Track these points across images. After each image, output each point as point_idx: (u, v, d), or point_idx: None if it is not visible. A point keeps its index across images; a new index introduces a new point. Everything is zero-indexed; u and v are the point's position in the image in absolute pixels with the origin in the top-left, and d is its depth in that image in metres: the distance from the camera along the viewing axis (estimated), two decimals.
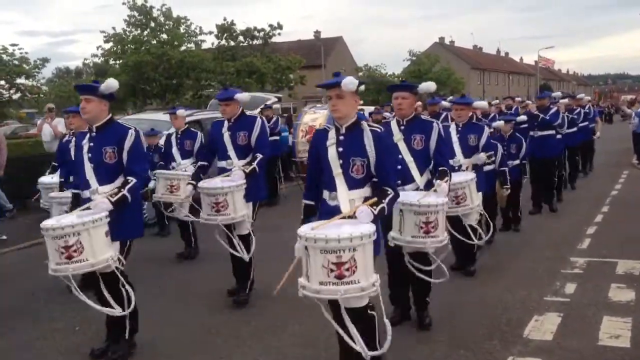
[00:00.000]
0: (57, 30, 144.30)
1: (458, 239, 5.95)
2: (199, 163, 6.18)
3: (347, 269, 3.18)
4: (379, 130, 3.76)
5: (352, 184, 3.74)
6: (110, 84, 4.57)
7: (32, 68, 24.09)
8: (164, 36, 29.51)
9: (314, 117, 9.15)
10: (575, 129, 12.09)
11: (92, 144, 4.61)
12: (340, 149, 3.76)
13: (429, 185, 4.86)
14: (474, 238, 6.04)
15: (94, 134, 4.64)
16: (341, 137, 3.79)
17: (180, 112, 8.10)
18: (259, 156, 5.85)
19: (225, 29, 33.18)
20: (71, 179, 5.72)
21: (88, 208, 4.33)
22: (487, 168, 7.12)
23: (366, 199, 3.65)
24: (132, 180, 4.49)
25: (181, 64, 28.62)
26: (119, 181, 4.57)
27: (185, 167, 7.72)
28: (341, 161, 3.75)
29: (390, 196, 3.66)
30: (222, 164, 6.03)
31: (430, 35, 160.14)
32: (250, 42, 33.93)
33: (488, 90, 60.99)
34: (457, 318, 5.28)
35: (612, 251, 7.26)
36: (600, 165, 15.27)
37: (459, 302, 5.68)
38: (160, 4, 29.51)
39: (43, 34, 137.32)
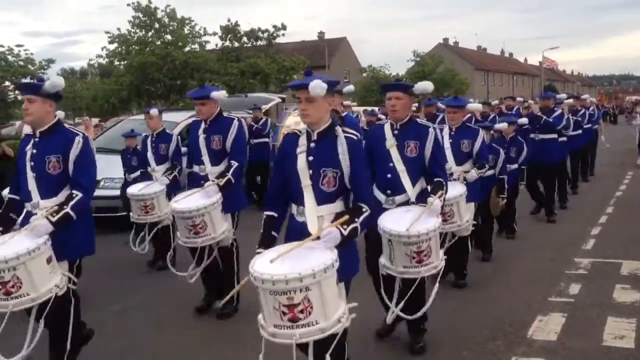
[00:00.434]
0: (61, 30, 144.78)
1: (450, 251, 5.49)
2: (190, 170, 5.68)
3: (301, 311, 2.79)
4: (354, 137, 3.32)
5: (322, 198, 3.30)
6: (56, 82, 4.08)
7: (38, 69, 24.28)
8: (168, 37, 29.61)
9: (298, 119, 8.43)
10: (580, 131, 11.74)
11: (34, 150, 4.10)
12: (311, 158, 3.31)
13: (421, 197, 4.39)
14: (469, 247, 5.97)
15: (37, 139, 4.13)
16: (312, 145, 3.34)
17: (154, 111, 7.52)
18: (234, 164, 5.32)
19: (230, 30, 33.23)
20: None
21: (27, 225, 3.84)
22: (486, 173, 6.65)
23: (337, 216, 3.23)
24: (78, 194, 3.97)
25: (185, 64, 28.73)
26: (63, 194, 4.06)
27: (157, 176, 7.11)
28: (311, 172, 3.30)
29: (365, 214, 3.23)
30: (195, 169, 5.56)
31: (434, 36, 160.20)
32: (254, 43, 33.98)
33: (492, 91, 60.85)
34: (460, 318, 5.28)
35: (616, 252, 7.24)
36: (604, 166, 15.22)
37: (462, 303, 5.68)
38: (164, 5, 29.51)
39: (47, 35, 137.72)
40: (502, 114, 11.97)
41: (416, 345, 4.54)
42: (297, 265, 2.82)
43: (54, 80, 4.08)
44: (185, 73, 29.11)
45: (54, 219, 3.80)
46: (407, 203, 4.41)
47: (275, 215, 3.46)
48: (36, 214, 3.95)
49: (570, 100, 12.30)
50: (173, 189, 6.95)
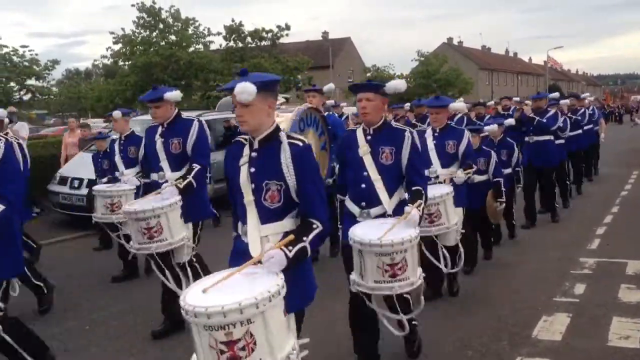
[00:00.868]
0: (66, 31, 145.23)
1: (429, 263, 5.11)
2: (144, 181, 5.37)
3: (242, 348, 2.38)
4: (300, 144, 2.91)
5: (266, 216, 2.93)
6: None
7: (43, 69, 24.34)
8: (173, 37, 29.65)
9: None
10: (579, 131, 11.50)
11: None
12: (252, 170, 2.94)
13: (400, 209, 3.97)
14: (440, 264, 5.30)
15: None
16: (254, 154, 2.96)
17: (116, 114, 7.04)
18: (196, 167, 4.94)
19: (234, 30, 33.23)
20: None
21: None
22: (478, 179, 6.43)
23: (285, 236, 2.83)
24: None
25: (190, 65, 28.76)
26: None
27: (127, 178, 6.73)
28: (253, 185, 2.93)
29: (316, 231, 2.85)
30: (154, 176, 5.20)
31: (439, 36, 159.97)
32: (259, 43, 33.99)
33: (496, 90, 60.72)
34: (466, 318, 5.28)
35: (622, 252, 7.21)
36: (609, 166, 15.17)
37: (467, 303, 5.67)
38: (168, 5, 29.57)
39: (52, 36, 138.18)
40: (498, 114, 11.58)
41: (413, 349, 4.43)
42: (236, 294, 2.40)
43: None
44: (189, 73, 29.15)
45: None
46: (383, 216, 4.01)
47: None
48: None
49: (567, 101, 12.00)
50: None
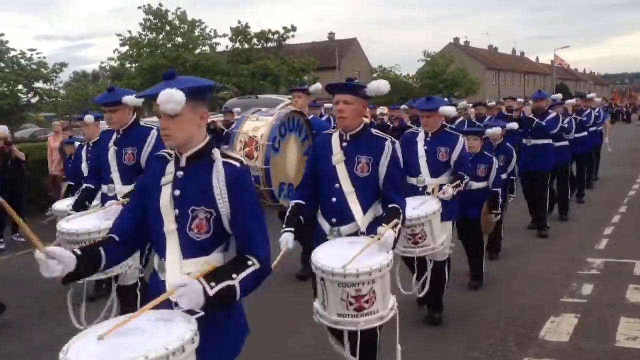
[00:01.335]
0: (73, 34, 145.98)
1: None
2: (84, 185, 4.86)
3: None
4: (237, 165, 2.39)
5: (190, 249, 2.38)
6: None
7: (50, 72, 24.50)
8: (179, 39, 29.77)
9: (256, 125, 6.99)
10: (585, 133, 10.85)
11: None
12: (177, 192, 2.40)
13: (374, 227, 3.45)
14: (445, 275, 4.98)
15: None
16: (179, 174, 2.43)
17: (88, 118, 6.46)
18: None
19: (240, 32, 33.33)
20: None
21: None
22: (476, 186, 5.99)
23: None
24: None
25: (196, 66, 28.87)
26: None
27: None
28: (177, 211, 2.40)
29: (251, 270, 2.31)
30: (104, 189, 4.69)
31: (445, 36, 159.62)
32: (265, 45, 34.06)
33: (503, 90, 60.51)
34: (472, 320, 5.27)
35: (629, 252, 7.18)
36: (616, 166, 15.10)
37: (474, 304, 5.66)
38: (175, 7, 29.69)
39: (60, 38, 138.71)
40: (501, 116, 10.85)
41: None
42: (132, 347, 1.95)
43: None
44: (196, 75, 29.24)
45: None
46: (355, 235, 3.55)
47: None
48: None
49: (573, 100, 11.64)
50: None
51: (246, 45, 33.79)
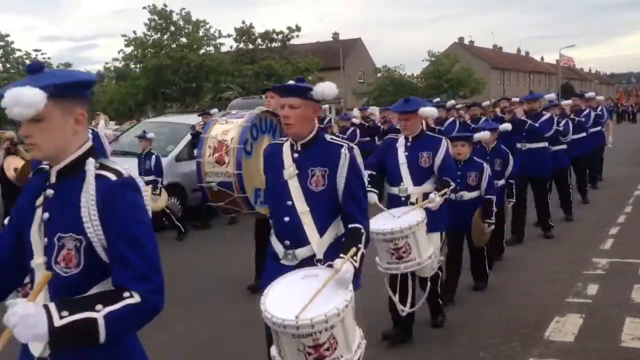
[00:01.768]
0: (78, 35, 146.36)
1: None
2: None
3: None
4: (113, 179, 1.89)
5: (59, 289, 1.87)
6: None
7: None
8: (184, 40, 29.86)
9: (226, 128, 6.60)
10: (584, 134, 10.41)
11: None
12: (46, 215, 1.92)
13: (334, 251, 3.02)
14: (399, 305, 4.39)
15: None
16: (49, 192, 1.95)
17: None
18: None
19: (244, 32, 33.44)
20: None
21: None
22: (468, 196, 5.60)
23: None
24: None
25: (200, 67, 28.96)
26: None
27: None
28: (46, 240, 1.91)
29: (125, 303, 1.78)
30: None
31: (450, 36, 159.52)
32: (269, 45, 34.15)
33: (508, 90, 60.37)
34: (477, 320, 5.25)
35: (635, 252, 7.14)
36: (622, 165, 15.04)
37: (479, 304, 5.65)
38: (179, 8, 29.79)
39: (65, 39, 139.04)
40: (496, 118, 9.98)
41: None
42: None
43: None
44: (200, 75, 29.34)
45: None
46: (311, 259, 3.10)
47: None
48: None
49: (569, 101, 11.16)
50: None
51: (250, 46, 33.90)
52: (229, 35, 33.01)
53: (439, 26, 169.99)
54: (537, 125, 7.94)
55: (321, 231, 3.12)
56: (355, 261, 2.83)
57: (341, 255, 2.85)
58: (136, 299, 1.80)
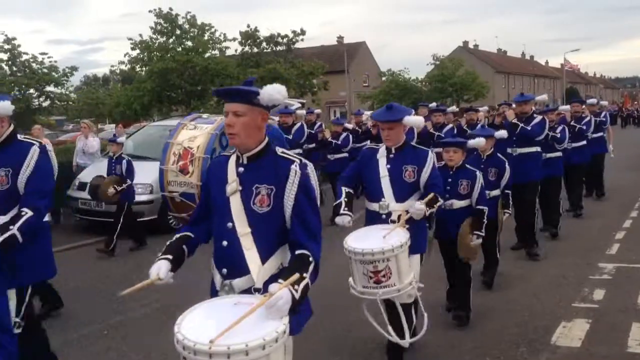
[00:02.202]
0: (84, 38, 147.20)
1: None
2: None
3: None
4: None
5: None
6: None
7: (61, 76, 24.76)
8: (189, 43, 29.92)
9: (193, 134, 6.19)
10: (584, 142, 9.91)
11: None
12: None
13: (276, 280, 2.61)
14: (392, 334, 3.97)
15: None
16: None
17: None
18: (26, 213, 3.55)
19: (249, 36, 33.50)
20: None
21: None
22: (458, 204, 5.21)
23: None
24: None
25: (205, 70, 28.98)
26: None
27: None
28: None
29: None
30: None
31: (454, 39, 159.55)
32: (274, 49, 34.20)
33: (513, 94, 60.10)
34: (484, 325, 5.25)
35: None
36: (627, 170, 15.00)
37: (486, 309, 5.64)
38: (185, 11, 29.84)
39: (71, 42, 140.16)
40: (493, 124, 9.23)
41: None
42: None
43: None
44: (205, 79, 29.36)
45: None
46: (249, 292, 2.66)
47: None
48: None
49: (567, 107, 10.44)
50: None
51: (255, 49, 33.95)
52: (234, 39, 33.06)
53: (444, 30, 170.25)
54: (529, 128, 7.40)
55: (264, 258, 2.68)
56: (297, 290, 2.39)
57: (279, 280, 2.43)
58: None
